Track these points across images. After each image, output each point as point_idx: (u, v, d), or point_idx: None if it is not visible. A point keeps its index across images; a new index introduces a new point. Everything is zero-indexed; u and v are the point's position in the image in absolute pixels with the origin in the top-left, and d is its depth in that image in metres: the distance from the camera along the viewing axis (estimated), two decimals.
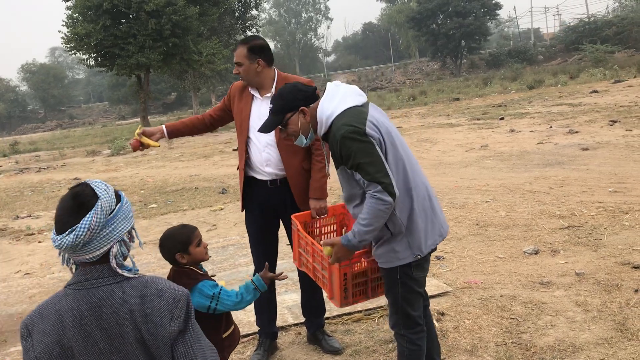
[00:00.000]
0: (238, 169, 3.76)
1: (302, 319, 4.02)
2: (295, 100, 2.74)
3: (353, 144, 2.52)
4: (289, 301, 4.60)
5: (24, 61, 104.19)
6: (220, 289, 2.60)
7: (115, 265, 1.63)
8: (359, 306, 4.13)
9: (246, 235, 5.80)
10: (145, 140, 3.49)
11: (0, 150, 29.84)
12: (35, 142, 35.58)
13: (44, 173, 17.96)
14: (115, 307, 1.60)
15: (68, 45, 29.08)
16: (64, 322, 1.58)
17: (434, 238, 2.72)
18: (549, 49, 58.89)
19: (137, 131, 3.50)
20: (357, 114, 2.61)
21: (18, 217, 10.30)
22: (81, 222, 1.57)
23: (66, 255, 1.67)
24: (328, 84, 2.78)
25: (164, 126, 3.67)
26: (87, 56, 29.65)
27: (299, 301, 4.10)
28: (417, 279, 2.77)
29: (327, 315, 4.05)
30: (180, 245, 2.62)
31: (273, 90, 3.54)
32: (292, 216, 3.40)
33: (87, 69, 36.01)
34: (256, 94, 3.58)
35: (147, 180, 13.33)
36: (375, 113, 2.69)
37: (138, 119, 39.71)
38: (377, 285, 3.15)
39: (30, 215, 10.39)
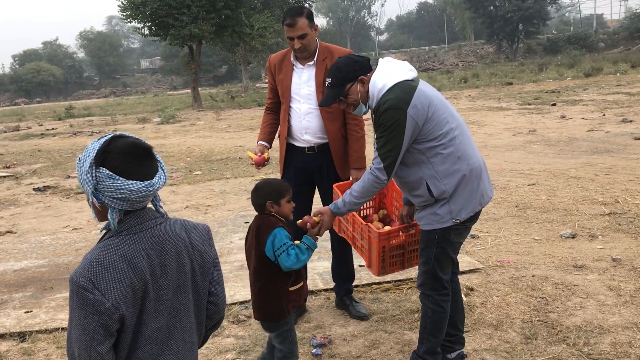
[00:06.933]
0: (279, 136, 3.86)
1: (332, 285, 4.12)
2: (353, 71, 2.80)
3: (390, 119, 2.65)
4: (320, 268, 4.69)
5: (82, 28, 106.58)
6: (287, 248, 2.64)
7: (160, 207, 1.75)
8: (388, 277, 4.18)
9: None
10: (266, 154, 3.73)
11: (56, 113, 30.90)
12: (89, 107, 36.55)
13: (96, 137, 18.52)
14: (174, 242, 1.72)
15: (124, 14, 29.63)
16: (134, 265, 1.61)
17: (473, 206, 2.80)
18: (611, 37, 56.54)
19: (250, 154, 3.75)
20: (406, 88, 2.69)
21: (69, 176, 10.71)
22: (160, 163, 1.71)
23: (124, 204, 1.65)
24: (380, 59, 2.84)
25: (261, 142, 3.85)
26: (142, 25, 30.13)
27: (330, 268, 4.19)
28: (454, 242, 2.86)
29: (356, 283, 4.13)
30: (275, 194, 2.73)
31: (315, 58, 3.59)
32: (334, 185, 3.51)
33: (142, 38, 36.70)
34: (297, 63, 3.65)
35: (194, 149, 13.61)
36: (424, 87, 2.76)
37: (189, 90, 40.24)
38: (413, 257, 3.24)
39: None
